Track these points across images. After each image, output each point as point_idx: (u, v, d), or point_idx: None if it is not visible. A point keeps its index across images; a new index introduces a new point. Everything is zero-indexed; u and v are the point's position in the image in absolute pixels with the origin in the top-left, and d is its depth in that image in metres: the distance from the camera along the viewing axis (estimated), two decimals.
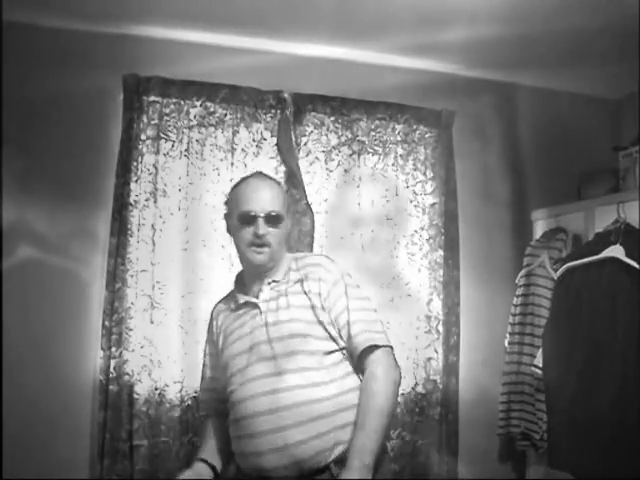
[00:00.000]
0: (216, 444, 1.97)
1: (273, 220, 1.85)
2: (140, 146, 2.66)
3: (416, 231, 2.97)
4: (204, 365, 2.07)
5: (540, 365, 2.58)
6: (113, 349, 2.56)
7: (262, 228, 1.83)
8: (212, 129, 2.76)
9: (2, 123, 2.50)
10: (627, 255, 2.33)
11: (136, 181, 2.65)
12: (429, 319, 2.95)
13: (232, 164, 2.75)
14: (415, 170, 3.00)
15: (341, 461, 1.70)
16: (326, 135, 2.90)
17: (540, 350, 2.61)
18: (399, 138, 2.99)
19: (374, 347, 1.80)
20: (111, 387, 2.54)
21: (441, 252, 2.99)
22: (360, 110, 2.93)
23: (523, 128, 3.24)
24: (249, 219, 1.83)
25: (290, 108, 2.82)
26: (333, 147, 2.90)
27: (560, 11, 2.50)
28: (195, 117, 2.74)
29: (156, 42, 2.73)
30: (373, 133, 2.95)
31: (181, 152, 2.71)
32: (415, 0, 2.46)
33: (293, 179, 2.79)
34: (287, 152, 2.79)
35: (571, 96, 3.30)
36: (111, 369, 2.55)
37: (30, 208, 2.57)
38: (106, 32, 2.67)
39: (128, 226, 2.62)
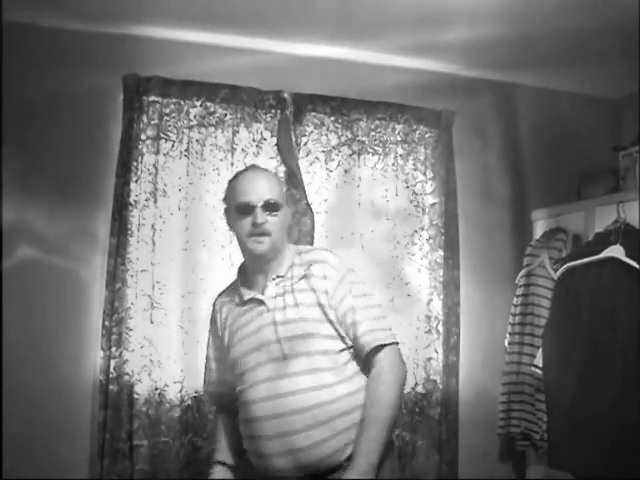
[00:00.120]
0: (228, 444, 1.97)
1: (271, 208, 1.83)
2: (140, 146, 2.67)
3: (416, 231, 2.98)
4: (209, 358, 2.03)
5: (540, 365, 2.58)
6: (113, 349, 2.56)
7: (261, 217, 1.81)
8: (212, 129, 2.76)
9: (2, 123, 2.50)
10: (627, 255, 2.33)
11: (136, 181, 2.65)
12: (429, 319, 2.95)
13: (232, 164, 2.76)
14: (415, 170, 3.00)
15: (349, 460, 1.70)
16: (326, 135, 2.90)
17: (540, 350, 2.61)
18: (399, 138, 2.99)
19: (380, 346, 1.80)
20: (111, 387, 2.54)
21: (441, 252, 2.99)
22: (360, 110, 2.93)
23: (523, 128, 3.25)
24: (247, 209, 1.82)
25: (290, 108, 2.82)
26: (333, 147, 2.90)
27: (560, 11, 2.50)
28: (195, 117, 2.74)
29: (156, 42, 2.73)
30: (373, 133, 2.96)
31: (181, 152, 2.71)
32: (415, 0, 2.46)
33: (293, 179, 2.79)
34: (287, 152, 2.79)
35: (571, 96, 3.30)
36: (111, 369, 2.55)
37: (30, 208, 2.57)
38: (106, 32, 2.67)
39: (128, 226, 2.62)
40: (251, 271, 1.92)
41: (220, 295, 2.04)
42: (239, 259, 2.71)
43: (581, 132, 3.26)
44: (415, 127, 3.01)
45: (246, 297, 1.89)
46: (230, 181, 1.95)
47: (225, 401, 1.99)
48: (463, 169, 3.08)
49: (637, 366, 2.24)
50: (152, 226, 2.65)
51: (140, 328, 2.61)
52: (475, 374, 2.99)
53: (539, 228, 2.99)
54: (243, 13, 2.59)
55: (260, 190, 1.83)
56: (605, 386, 2.31)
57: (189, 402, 2.63)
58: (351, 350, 1.82)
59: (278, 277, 1.87)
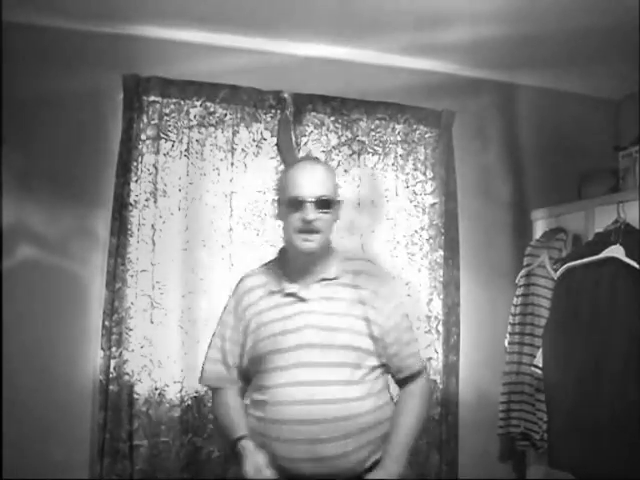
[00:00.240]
0: (242, 420, 1.81)
1: (323, 205, 1.75)
2: (140, 146, 2.66)
3: (416, 231, 2.98)
4: (223, 337, 1.87)
5: (540, 365, 2.58)
6: (113, 349, 2.56)
7: (311, 213, 1.74)
8: (212, 129, 2.76)
9: (2, 123, 2.50)
10: (627, 255, 2.33)
11: (136, 181, 2.65)
12: (429, 319, 2.95)
13: (232, 164, 2.76)
14: (415, 170, 3.00)
15: (371, 468, 1.74)
16: (326, 135, 2.90)
17: (540, 350, 2.61)
18: (399, 138, 2.99)
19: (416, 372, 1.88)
20: (111, 387, 2.54)
21: (441, 252, 2.99)
22: (360, 110, 2.93)
23: (523, 128, 3.25)
24: (298, 204, 1.74)
25: (290, 108, 2.82)
26: (333, 147, 2.90)
27: (560, 11, 2.49)
28: (195, 117, 2.74)
29: (156, 42, 2.73)
30: (373, 133, 2.96)
31: (181, 152, 2.71)
32: (415, 0, 2.46)
33: None
34: (287, 152, 2.79)
35: (571, 96, 3.30)
36: (111, 369, 2.55)
37: (30, 208, 2.57)
38: (106, 32, 2.66)
39: (128, 226, 2.62)
40: (294, 265, 1.84)
41: (250, 275, 1.93)
42: (239, 259, 2.74)
43: (581, 132, 3.25)
44: (415, 127, 3.01)
45: (288, 290, 1.81)
46: (284, 171, 1.90)
47: (228, 384, 1.87)
48: (463, 169, 3.08)
49: (637, 366, 2.24)
50: (152, 226, 2.65)
51: (140, 328, 2.61)
52: (475, 374, 2.99)
53: (539, 228, 2.99)
54: (243, 13, 2.59)
55: (312, 184, 1.76)
56: (605, 386, 2.31)
57: (189, 402, 2.63)
58: (382, 367, 1.83)
59: (325, 280, 1.81)
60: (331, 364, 1.74)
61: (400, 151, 2.98)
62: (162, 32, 2.71)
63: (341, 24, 2.71)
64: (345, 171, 2.91)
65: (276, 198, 1.88)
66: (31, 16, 2.55)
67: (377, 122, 2.96)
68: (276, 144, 2.81)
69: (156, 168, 2.67)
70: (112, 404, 2.54)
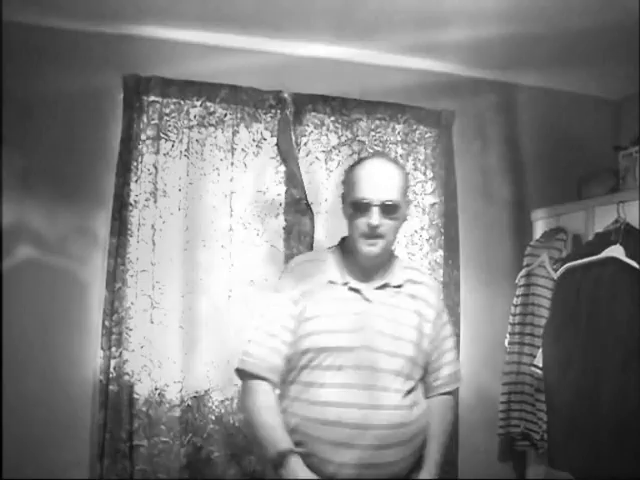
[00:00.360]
0: (283, 428, 1.70)
1: (389, 210, 1.70)
2: (140, 146, 2.66)
3: (416, 231, 2.97)
4: (272, 318, 1.76)
5: (540, 365, 2.58)
6: (113, 349, 2.56)
7: (376, 218, 1.69)
8: (212, 129, 2.76)
9: (2, 123, 2.50)
10: (627, 255, 2.33)
11: (136, 181, 2.65)
12: None
13: (232, 164, 2.75)
14: (415, 170, 3.00)
15: (407, 476, 1.78)
16: (326, 135, 2.90)
17: (540, 350, 2.61)
18: (399, 138, 2.99)
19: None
20: (111, 387, 2.54)
21: (441, 252, 2.99)
22: (360, 110, 2.93)
23: (523, 128, 3.24)
24: (363, 207, 1.69)
25: (290, 108, 2.82)
26: (333, 147, 2.90)
27: (560, 11, 2.49)
28: (195, 117, 2.74)
29: (156, 42, 2.73)
30: (373, 133, 2.95)
31: (181, 152, 2.71)
32: (415, 0, 2.46)
33: (293, 179, 2.79)
34: (287, 152, 2.79)
35: (571, 96, 3.30)
36: (111, 369, 2.55)
37: (30, 208, 2.57)
38: (106, 32, 2.66)
39: (128, 226, 2.62)
40: (355, 262, 1.79)
41: (307, 259, 1.89)
42: (239, 259, 2.74)
43: (581, 132, 3.25)
44: (415, 127, 3.01)
45: (352, 285, 1.76)
46: (352, 165, 1.84)
47: (271, 375, 1.73)
48: (463, 169, 3.08)
49: (637, 366, 2.24)
50: (152, 226, 2.65)
51: (140, 328, 2.60)
52: (475, 374, 2.98)
53: (539, 228, 2.99)
54: (243, 13, 2.59)
55: (380, 187, 1.70)
56: (605, 386, 2.31)
57: (189, 402, 2.63)
58: (422, 379, 1.85)
59: (389, 286, 1.79)
60: (391, 371, 1.73)
61: (400, 151, 2.98)
62: (162, 32, 2.71)
63: (341, 24, 2.71)
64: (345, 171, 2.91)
65: (342, 192, 1.82)
66: (31, 16, 2.55)
67: (377, 122, 2.96)
68: (276, 144, 2.81)
69: (156, 168, 2.67)
70: (112, 404, 2.54)
